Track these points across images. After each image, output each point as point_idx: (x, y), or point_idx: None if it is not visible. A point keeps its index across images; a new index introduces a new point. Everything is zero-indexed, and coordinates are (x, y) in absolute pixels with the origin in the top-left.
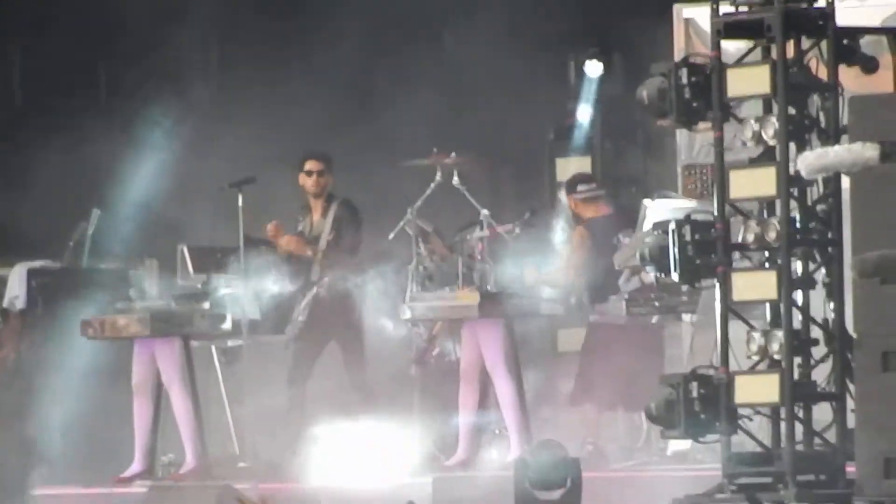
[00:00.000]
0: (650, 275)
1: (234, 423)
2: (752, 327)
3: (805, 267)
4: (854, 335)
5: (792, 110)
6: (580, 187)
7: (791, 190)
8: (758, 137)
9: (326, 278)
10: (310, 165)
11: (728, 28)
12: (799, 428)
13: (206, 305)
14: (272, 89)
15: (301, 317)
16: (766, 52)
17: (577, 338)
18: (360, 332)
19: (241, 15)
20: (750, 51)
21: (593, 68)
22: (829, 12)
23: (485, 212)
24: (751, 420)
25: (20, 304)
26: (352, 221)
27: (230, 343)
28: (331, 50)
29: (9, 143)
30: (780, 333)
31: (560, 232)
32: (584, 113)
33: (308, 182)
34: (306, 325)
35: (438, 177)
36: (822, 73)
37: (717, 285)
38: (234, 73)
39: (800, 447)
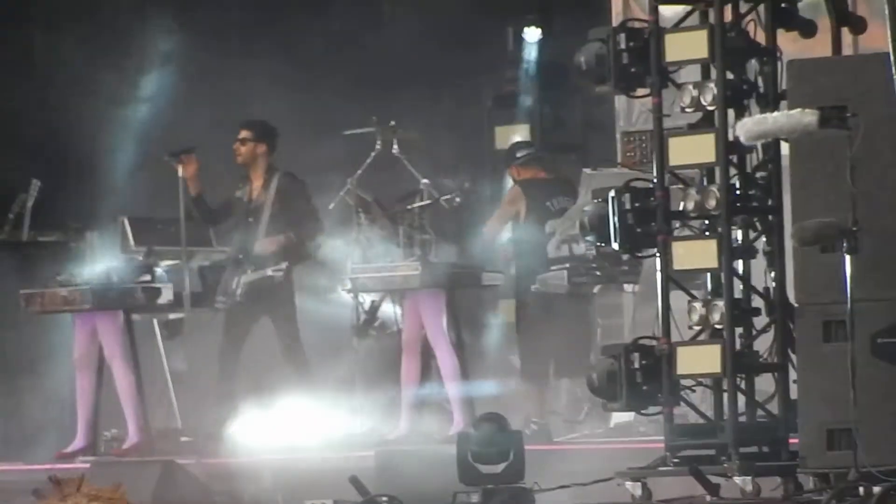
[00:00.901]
0: (580, 245)
1: (176, 398)
2: (693, 297)
3: (745, 235)
4: (795, 304)
5: (730, 75)
6: (519, 153)
7: (730, 157)
8: (696, 103)
9: (284, 263)
10: (240, 132)
11: None
12: (742, 399)
13: (148, 278)
14: (213, 57)
15: (239, 289)
16: (704, 16)
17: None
18: (293, 307)
19: None
20: (688, 15)
21: (532, 34)
22: None
23: (425, 181)
24: (693, 391)
25: None
26: (299, 193)
27: (171, 316)
28: (269, 17)
29: None
30: (721, 303)
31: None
32: (523, 80)
33: (236, 151)
34: (243, 297)
35: (378, 146)
36: (761, 38)
37: (658, 254)
38: (175, 40)
39: (743, 419)
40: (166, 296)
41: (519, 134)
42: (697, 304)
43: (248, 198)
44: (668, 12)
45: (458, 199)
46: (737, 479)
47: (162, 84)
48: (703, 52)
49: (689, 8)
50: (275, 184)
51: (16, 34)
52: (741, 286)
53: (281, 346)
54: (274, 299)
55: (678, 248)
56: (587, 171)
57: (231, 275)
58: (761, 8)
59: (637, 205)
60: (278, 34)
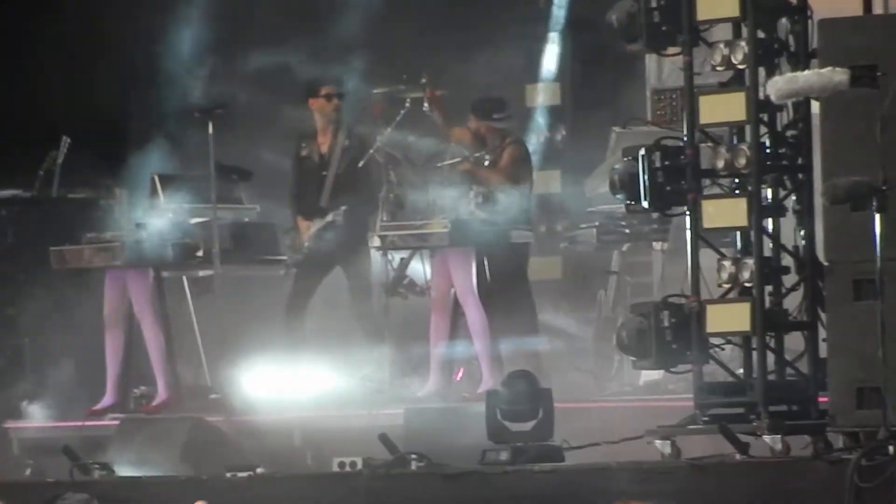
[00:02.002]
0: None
1: (205, 355)
2: (722, 255)
3: (775, 193)
4: (825, 263)
5: (761, 34)
6: (496, 115)
7: (761, 115)
8: (727, 62)
9: (343, 206)
10: (328, 89)
11: None
12: (771, 357)
13: (178, 235)
14: (241, 16)
15: (308, 243)
16: None
17: (546, 266)
18: (367, 259)
19: None
20: None
21: None
22: None
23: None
24: (722, 349)
25: None
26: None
27: (201, 273)
28: None
29: None
30: (750, 261)
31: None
32: (553, 37)
33: (327, 107)
34: (311, 251)
35: (408, 104)
36: None
37: (688, 213)
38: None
39: (772, 377)
40: (196, 252)
41: (549, 92)
42: (727, 263)
43: (317, 154)
44: None
45: (487, 158)
46: (766, 438)
47: (192, 38)
48: (734, 11)
49: None
50: (343, 135)
51: None
52: (771, 244)
53: (348, 295)
54: (343, 246)
55: (708, 207)
56: (617, 129)
57: (275, 232)
58: None
59: (667, 163)
60: None
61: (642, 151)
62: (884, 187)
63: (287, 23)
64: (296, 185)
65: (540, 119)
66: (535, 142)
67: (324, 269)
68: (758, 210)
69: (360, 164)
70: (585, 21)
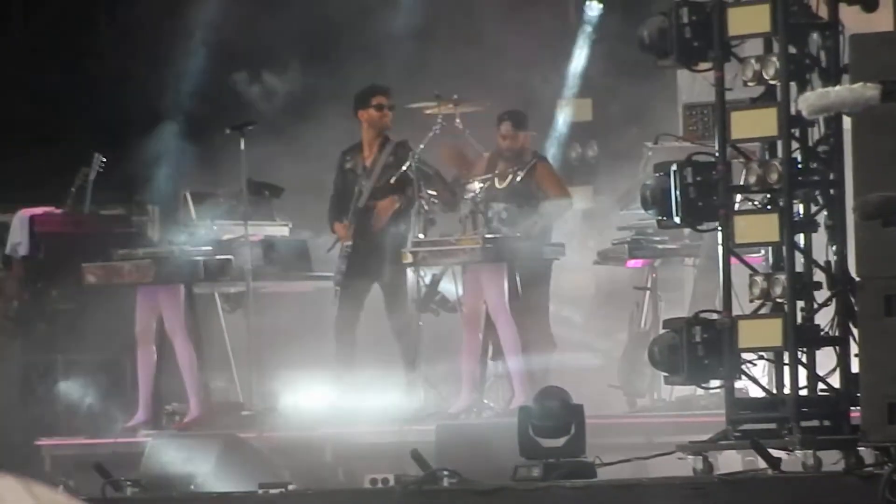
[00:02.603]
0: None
1: (237, 371)
2: (754, 270)
3: (807, 209)
4: (857, 278)
5: (793, 49)
6: (503, 126)
7: (792, 130)
8: (758, 77)
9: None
10: (379, 100)
11: None
12: (803, 373)
13: (209, 250)
14: (272, 32)
15: (343, 265)
16: None
17: (579, 282)
18: (403, 274)
19: None
20: None
21: (593, 7)
22: None
23: (487, 154)
24: (754, 365)
25: (23, 250)
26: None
27: (233, 290)
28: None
29: (9, 86)
30: (782, 277)
31: None
32: (583, 53)
33: (381, 118)
34: (349, 268)
35: (440, 120)
36: (823, 12)
37: (719, 228)
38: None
39: (803, 392)
40: (228, 269)
41: (580, 107)
42: (759, 278)
43: (360, 166)
44: None
45: (520, 174)
46: (798, 453)
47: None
48: (765, 26)
49: None
50: (388, 150)
51: (79, 9)
52: (803, 260)
53: (386, 311)
54: (379, 262)
55: (740, 222)
56: (649, 144)
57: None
58: None
59: (699, 178)
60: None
61: (674, 167)
62: None
63: (315, 42)
64: (336, 197)
65: (572, 135)
66: (566, 157)
67: (365, 287)
68: (789, 225)
69: (393, 180)
70: (616, 36)
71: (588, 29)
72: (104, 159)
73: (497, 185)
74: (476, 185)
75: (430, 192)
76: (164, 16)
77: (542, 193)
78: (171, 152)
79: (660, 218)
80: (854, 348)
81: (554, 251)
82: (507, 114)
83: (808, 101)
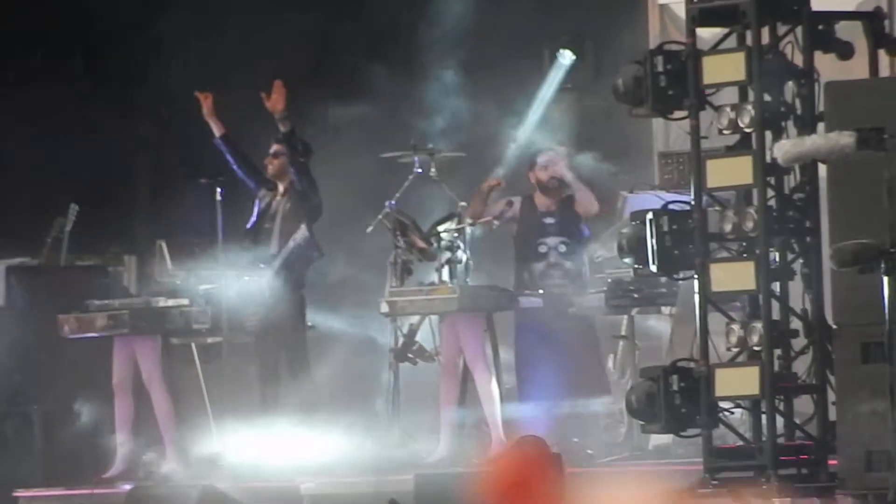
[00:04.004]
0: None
1: (214, 421)
2: (731, 319)
3: (783, 257)
4: (833, 326)
5: (768, 97)
6: (541, 159)
7: (768, 178)
8: (734, 125)
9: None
10: (273, 148)
11: (703, 14)
12: (780, 421)
13: (186, 302)
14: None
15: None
16: (742, 38)
17: None
18: (304, 334)
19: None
20: (725, 37)
21: (566, 57)
22: None
23: (462, 204)
24: (732, 413)
25: None
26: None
27: (210, 340)
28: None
29: None
30: (759, 325)
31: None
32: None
33: (268, 163)
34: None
35: (416, 169)
36: (798, 60)
37: (696, 277)
38: (211, 60)
39: (781, 440)
40: (204, 320)
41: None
42: (735, 326)
43: (269, 204)
44: (706, 34)
45: (496, 222)
46: (776, 501)
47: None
48: (740, 75)
49: (726, 30)
50: (291, 191)
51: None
52: (779, 307)
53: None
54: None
55: (716, 270)
56: (624, 193)
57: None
58: (798, 30)
59: (675, 227)
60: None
61: (650, 215)
62: (892, 250)
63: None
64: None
65: None
66: None
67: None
68: (766, 273)
69: (369, 230)
70: (588, 84)
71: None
72: (78, 209)
73: (544, 220)
74: (454, 233)
75: (405, 240)
76: (146, 63)
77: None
78: (146, 202)
79: (636, 266)
80: (831, 396)
81: (531, 301)
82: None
83: (784, 148)
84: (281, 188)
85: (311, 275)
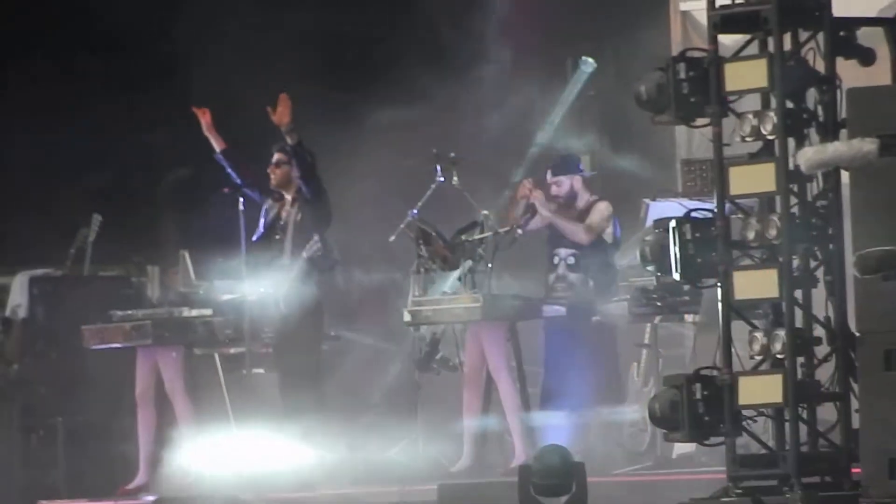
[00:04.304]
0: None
1: (237, 431)
2: (754, 326)
3: (806, 264)
4: (856, 333)
5: (790, 104)
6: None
7: (791, 186)
8: (756, 132)
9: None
10: (275, 157)
11: (725, 21)
12: (803, 429)
13: (209, 312)
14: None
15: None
16: (763, 45)
17: None
18: (319, 344)
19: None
20: (747, 44)
21: (588, 65)
22: (824, 3)
23: (485, 212)
24: (755, 421)
25: (22, 312)
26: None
27: (233, 350)
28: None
29: (6, 148)
30: (782, 333)
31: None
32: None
33: (271, 172)
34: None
35: (439, 178)
36: (820, 66)
37: (719, 284)
38: (231, 77)
39: (804, 448)
40: (227, 330)
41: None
42: (759, 334)
43: (277, 215)
44: (728, 41)
45: (519, 231)
46: None
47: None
48: (762, 82)
49: (748, 37)
50: (300, 202)
51: (73, 69)
52: (802, 315)
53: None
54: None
55: (739, 278)
56: (647, 200)
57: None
58: (820, 36)
59: (697, 234)
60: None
61: (673, 223)
62: None
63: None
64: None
65: None
66: None
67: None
68: (789, 281)
69: (392, 238)
70: (610, 91)
71: (582, 83)
72: (102, 220)
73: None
74: (476, 242)
75: (428, 250)
76: (162, 78)
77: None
78: (169, 213)
79: (659, 274)
80: (855, 404)
81: (554, 310)
82: (550, 164)
83: (807, 156)
84: (288, 197)
85: (330, 282)
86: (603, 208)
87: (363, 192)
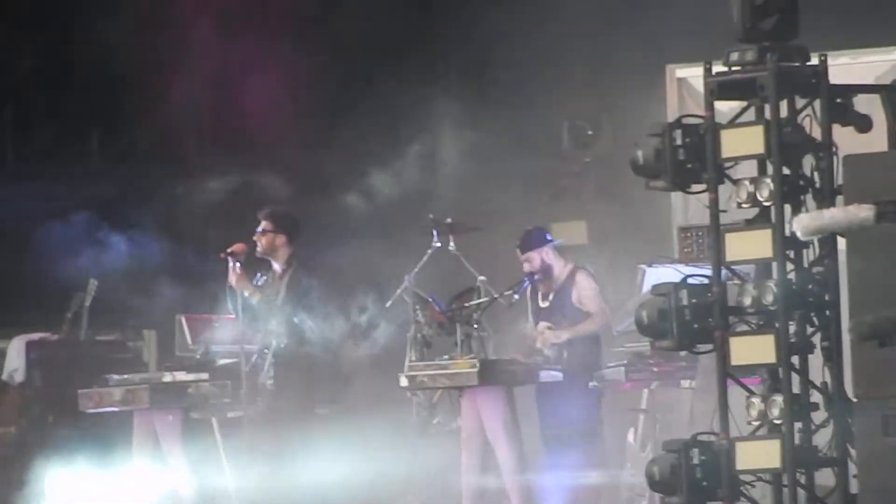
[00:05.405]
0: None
1: (236, 494)
2: (751, 392)
3: (803, 330)
4: (854, 399)
5: (787, 170)
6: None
7: (787, 252)
8: (753, 199)
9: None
10: (260, 225)
11: (721, 88)
12: (802, 494)
13: (205, 376)
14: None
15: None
16: (760, 111)
17: None
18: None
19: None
20: (743, 110)
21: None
22: (821, 70)
23: (482, 278)
24: (753, 486)
25: (19, 377)
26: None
27: (230, 414)
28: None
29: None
30: (779, 398)
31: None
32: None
33: (257, 240)
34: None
35: (435, 243)
36: (817, 133)
37: (715, 350)
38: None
39: None
40: (223, 394)
41: (575, 230)
42: (756, 399)
43: (267, 286)
44: (724, 108)
45: (516, 297)
46: None
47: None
48: (759, 148)
49: (744, 104)
50: (288, 276)
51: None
52: (799, 381)
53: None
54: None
55: (736, 344)
56: (643, 266)
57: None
58: (817, 103)
59: (694, 300)
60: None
61: (669, 289)
62: None
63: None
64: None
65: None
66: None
67: None
68: (786, 347)
69: (388, 304)
70: (606, 157)
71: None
72: (98, 284)
73: (540, 304)
74: (473, 308)
75: (424, 315)
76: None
77: (585, 308)
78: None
79: (655, 340)
80: (853, 469)
81: (551, 375)
82: (518, 243)
83: (803, 222)
84: (277, 268)
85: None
86: (587, 286)
87: (359, 257)
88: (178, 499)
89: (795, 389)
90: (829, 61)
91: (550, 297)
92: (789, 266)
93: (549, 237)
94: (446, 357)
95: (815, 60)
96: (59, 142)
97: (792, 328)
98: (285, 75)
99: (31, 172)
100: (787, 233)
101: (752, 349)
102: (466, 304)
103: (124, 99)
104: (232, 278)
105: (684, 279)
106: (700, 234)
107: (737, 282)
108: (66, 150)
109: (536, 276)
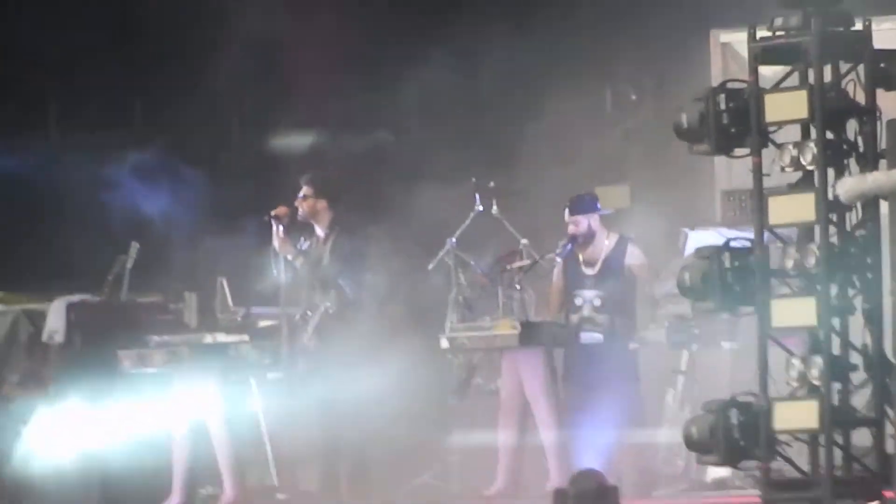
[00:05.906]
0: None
1: (272, 455)
2: (791, 353)
3: (844, 292)
4: (893, 361)
5: (830, 135)
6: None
7: (830, 215)
8: (796, 163)
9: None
10: (302, 190)
11: (765, 53)
12: (838, 454)
13: (246, 338)
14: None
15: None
16: (804, 76)
17: None
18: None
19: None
20: (787, 75)
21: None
22: (865, 35)
23: (524, 241)
24: (790, 446)
25: (59, 338)
26: (353, 253)
27: (270, 376)
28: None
29: (46, 175)
30: (819, 360)
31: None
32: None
33: (299, 205)
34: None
35: (478, 206)
36: (860, 98)
37: (756, 312)
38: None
39: (839, 473)
40: (263, 355)
41: (619, 193)
42: (796, 361)
43: (311, 250)
44: (768, 72)
45: (558, 259)
46: None
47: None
48: (802, 113)
49: (788, 68)
50: (331, 241)
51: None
52: (839, 342)
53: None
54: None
55: (777, 307)
56: (685, 229)
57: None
58: (860, 68)
59: (736, 263)
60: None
61: (712, 252)
62: None
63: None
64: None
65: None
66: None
67: None
68: (827, 310)
69: (430, 266)
70: (650, 121)
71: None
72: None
73: (584, 270)
74: (515, 270)
75: (466, 277)
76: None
77: (633, 277)
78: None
79: (697, 302)
80: (890, 429)
81: (592, 337)
82: (567, 204)
83: (846, 186)
84: (319, 232)
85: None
86: (639, 255)
87: (402, 218)
88: (215, 458)
89: (835, 351)
90: (874, 26)
91: (598, 265)
92: (832, 229)
93: (598, 205)
94: (487, 319)
95: (859, 25)
96: (103, 114)
97: (833, 291)
98: (330, 43)
99: (75, 143)
100: (830, 197)
101: (794, 311)
102: (508, 267)
103: (168, 71)
104: (276, 241)
105: (727, 242)
106: (743, 197)
107: (779, 245)
108: (109, 121)
109: (579, 240)
